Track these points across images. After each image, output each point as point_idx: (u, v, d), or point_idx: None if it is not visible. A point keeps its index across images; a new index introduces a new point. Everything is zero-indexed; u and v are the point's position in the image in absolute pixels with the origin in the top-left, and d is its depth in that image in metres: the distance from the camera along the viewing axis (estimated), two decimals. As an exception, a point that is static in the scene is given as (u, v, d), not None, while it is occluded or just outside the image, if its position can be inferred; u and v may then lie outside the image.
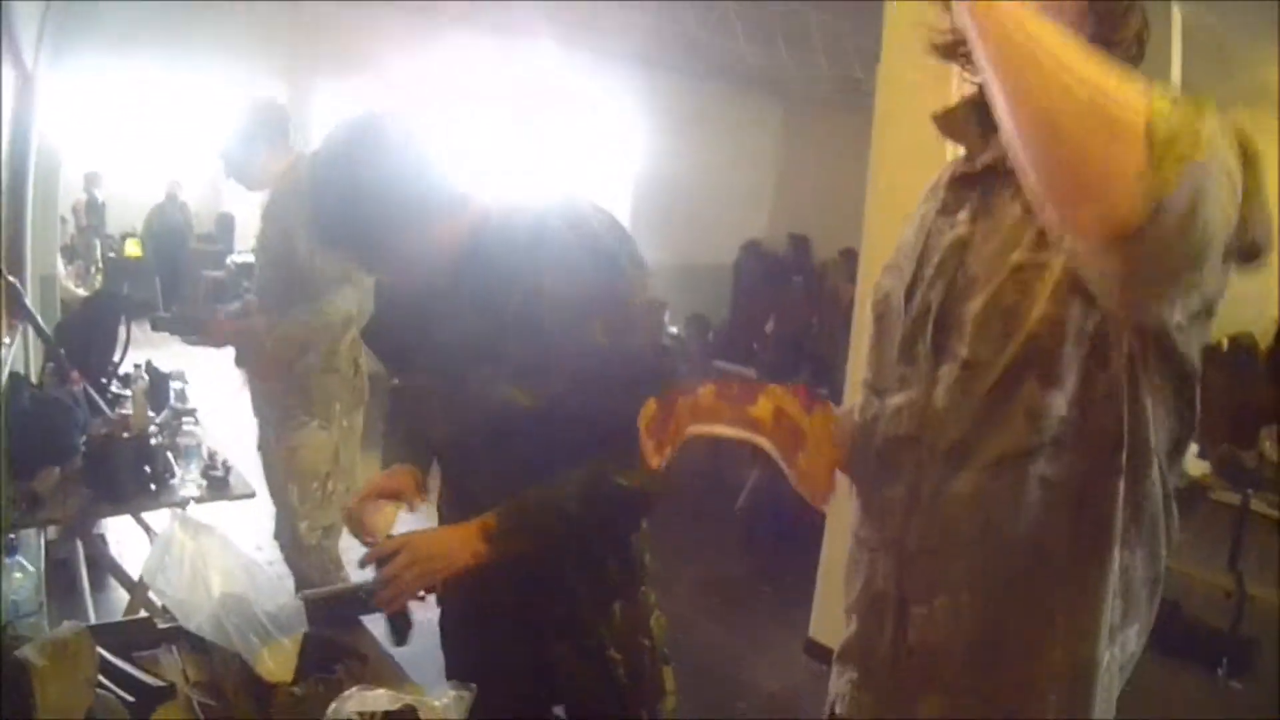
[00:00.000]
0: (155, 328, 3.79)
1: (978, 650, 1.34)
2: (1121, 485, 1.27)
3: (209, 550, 2.13)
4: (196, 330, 3.74)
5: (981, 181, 1.39)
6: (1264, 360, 8.47)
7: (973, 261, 1.34)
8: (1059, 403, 1.24)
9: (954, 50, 1.41)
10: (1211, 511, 5.39)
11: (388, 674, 2.04)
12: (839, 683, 1.60)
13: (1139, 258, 0.98)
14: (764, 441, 1.51)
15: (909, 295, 1.45)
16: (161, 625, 2.25)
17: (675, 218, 10.90)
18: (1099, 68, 0.95)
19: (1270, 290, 8.31)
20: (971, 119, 1.44)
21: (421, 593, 1.92)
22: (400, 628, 1.98)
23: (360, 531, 2.07)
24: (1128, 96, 0.94)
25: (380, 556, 1.90)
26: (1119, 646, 1.34)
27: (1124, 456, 1.26)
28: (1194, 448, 5.22)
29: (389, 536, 1.98)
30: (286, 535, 3.91)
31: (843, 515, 1.67)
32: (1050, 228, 1.13)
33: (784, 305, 9.39)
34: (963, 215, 1.40)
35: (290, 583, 3.84)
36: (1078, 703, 1.32)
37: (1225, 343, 8.62)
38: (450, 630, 2.28)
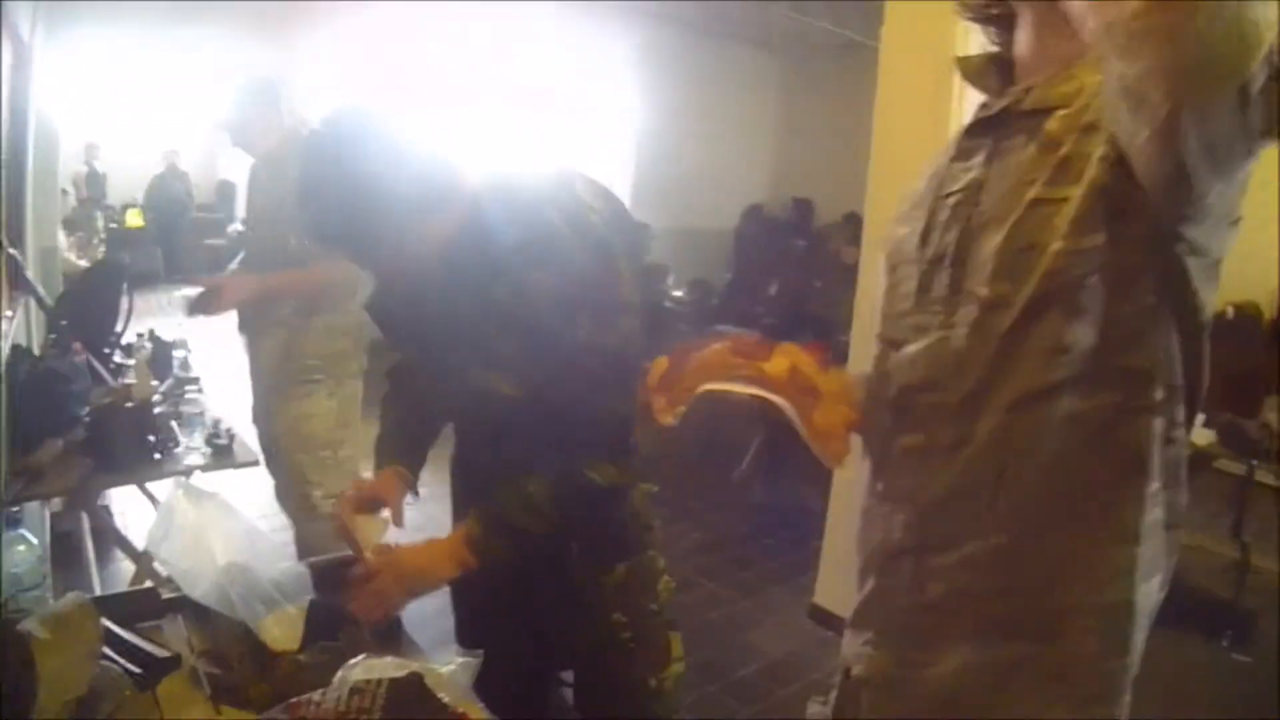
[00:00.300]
0: (190, 313, 3.74)
1: (1004, 598, 1.32)
2: (1156, 423, 1.25)
3: (212, 518, 2.13)
4: (214, 299, 3.70)
5: (996, 129, 1.37)
6: (1268, 329, 8.44)
7: (988, 201, 1.33)
8: (1083, 337, 1.21)
9: (985, 10, 1.39)
10: (1215, 481, 5.38)
11: (393, 640, 2.02)
12: (855, 645, 1.57)
13: (1190, 49, 0.94)
14: (779, 398, 1.50)
15: (924, 239, 1.43)
16: (166, 595, 2.25)
17: (677, 181, 10.84)
18: None
19: (1273, 258, 8.31)
20: (992, 70, 1.44)
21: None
22: (382, 631, 1.99)
23: (350, 541, 2.10)
24: None
25: (365, 573, 1.93)
26: (1142, 595, 1.32)
27: (1156, 393, 1.24)
28: (1199, 416, 5.22)
29: (380, 545, 2.01)
30: (296, 503, 3.90)
31: (848, 481, 1.66)
32: (1095, 35, 1.08)
33: (786, 269, 9.36)
34: (977, 159, 1.38)
35: (293, 550, 3.85)
36: (1112, 647, 1.30)
37: (1230, 311, 8.61)
38: (458, 591, 2.28)
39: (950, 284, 1.36)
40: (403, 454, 2.25)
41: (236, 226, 12.13)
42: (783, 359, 1.48)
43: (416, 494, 2.23)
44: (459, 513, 2.23)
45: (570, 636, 2.11)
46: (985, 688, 1.35)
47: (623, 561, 2.09)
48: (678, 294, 8.42)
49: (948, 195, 1.41)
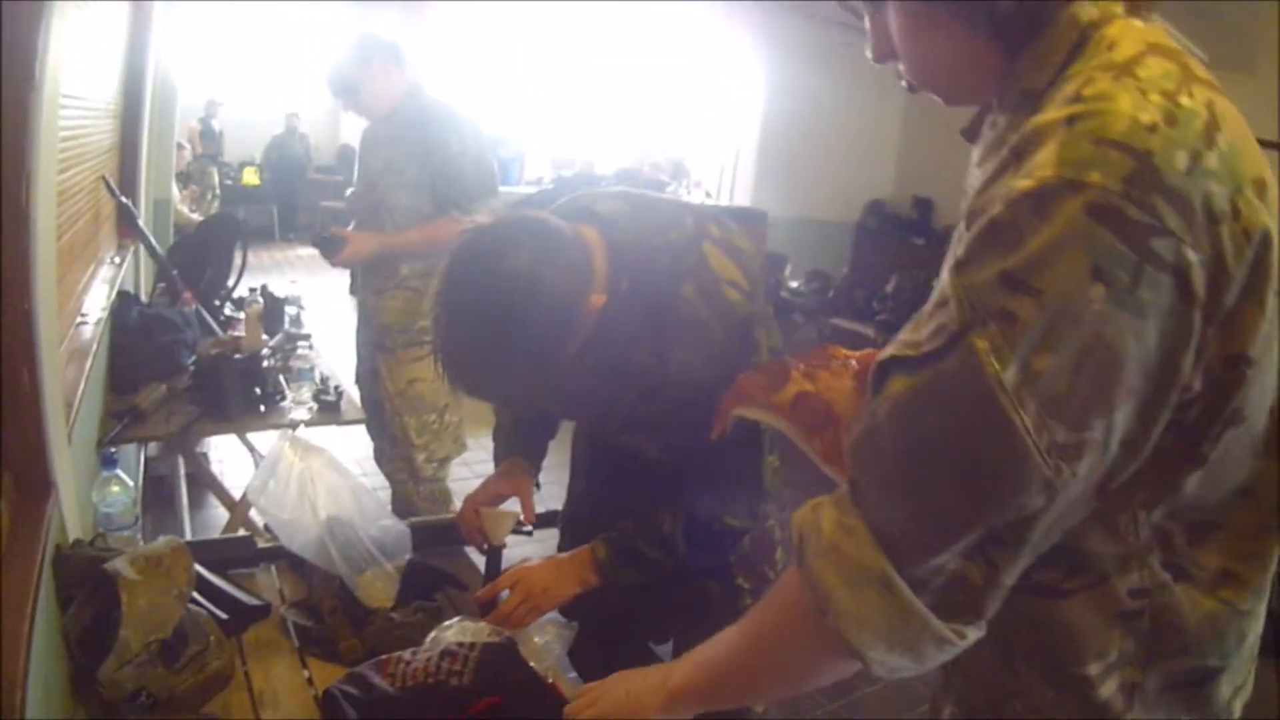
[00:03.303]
0: (322, 251, 3.72)
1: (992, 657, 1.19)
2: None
3: (317, 471, 2.11)
4: (340, 249, 3.68)
5: None
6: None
7: None
8: None
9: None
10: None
11: (489, 604, 1.99)
12: None
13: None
14: (784, 425, 1.48)
15: None
16: (261, 544, 2.24)
17: (801, 171, 10.73)
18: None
19: None
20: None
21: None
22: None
23: (478, 539, 2.14)
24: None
25: (495, 593, 1.95)
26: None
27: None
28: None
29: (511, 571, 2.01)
30: (399, 465, 3.90)
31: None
32: None
33: (905, 266, 9.23)
34: None
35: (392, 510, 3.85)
36: None
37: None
38: (568, 538, 2.29)
39: None
40: (522, 448, 2.25)
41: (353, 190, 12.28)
42: (792, 387, 1.46)
43: (539, 486, 2.23)
44: (577, 525, 2.25)
45: (687, 605, 2.06)
46: None
47: (748, 531, 2.05)
48: (795, 284, 8.31)
49: None
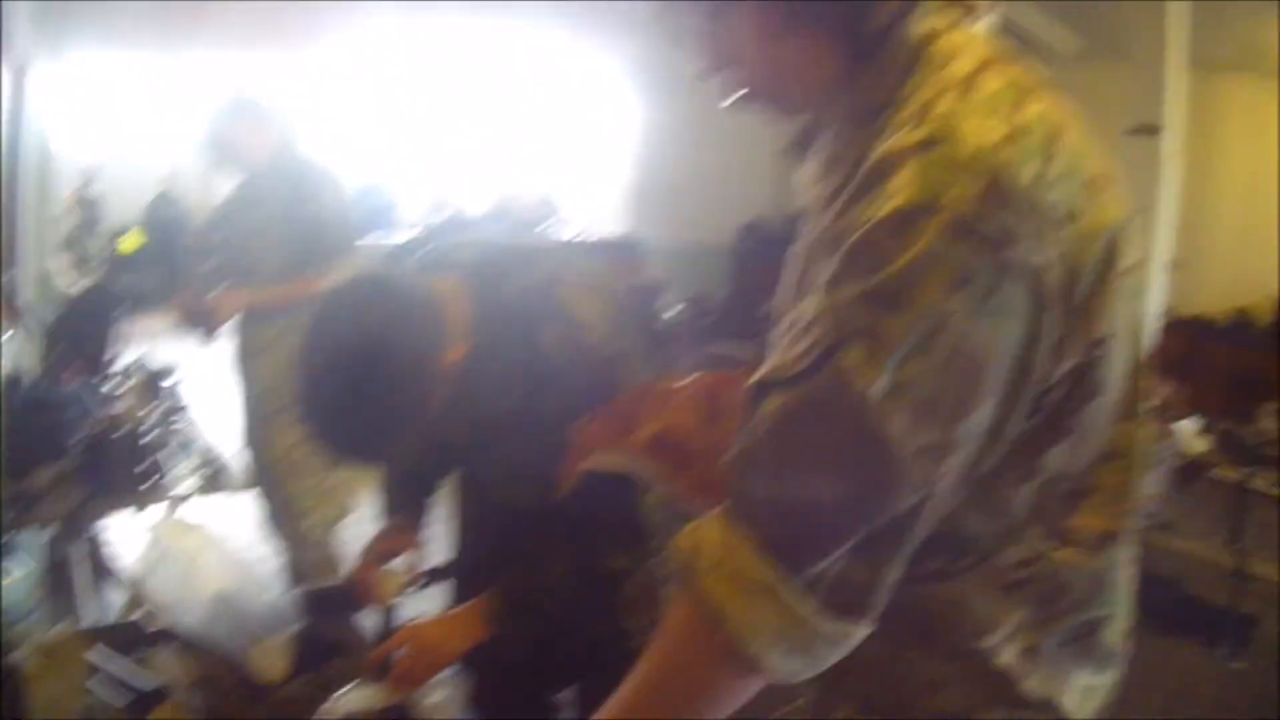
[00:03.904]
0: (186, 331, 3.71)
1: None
2: None
3: (198, 549, 2.13)
4: (205, 315, 3.67)
5: None
6: (1264, 335, 8.45)
7: None
8: None
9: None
10: (1211, 488, 5.37)
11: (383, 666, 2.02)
12: None
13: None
14: (643, 469, 1.53)
15: None
16: (156, 625, 2.24)
17: (675, 194, 10.73)
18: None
19: (1265, 266, 8.33)
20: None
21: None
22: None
23: (368, 598, 2.14)
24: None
25: (387, 653, 1.94)
26: None
27: None
28: (1194, 424, 5.23)
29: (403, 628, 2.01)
30: (287, 531, 3.88)
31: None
32: None
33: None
34: None
35: (281, 579, 3.84)
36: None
37: (1224, 317, 8.63)
38: (461, 590, 2.27)
39: None
40: (405, 505, 2.27)
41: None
42: (645, 430, 1.50)
43: (425, 543, 2.25)
44: (465, 577, 2.25)
45: (582, 651, 2.09)
46: None
47: (634, 572, 2.08)
48: (673, 312, 8.35)
49: None
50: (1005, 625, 1.15)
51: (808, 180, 1.32)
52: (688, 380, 1.55)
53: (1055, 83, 1.11)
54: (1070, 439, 1.11)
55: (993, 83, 1.03)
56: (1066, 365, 1.05)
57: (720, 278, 11.30)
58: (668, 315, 8.19)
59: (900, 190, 0.97)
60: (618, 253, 10.33)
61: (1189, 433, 5.14)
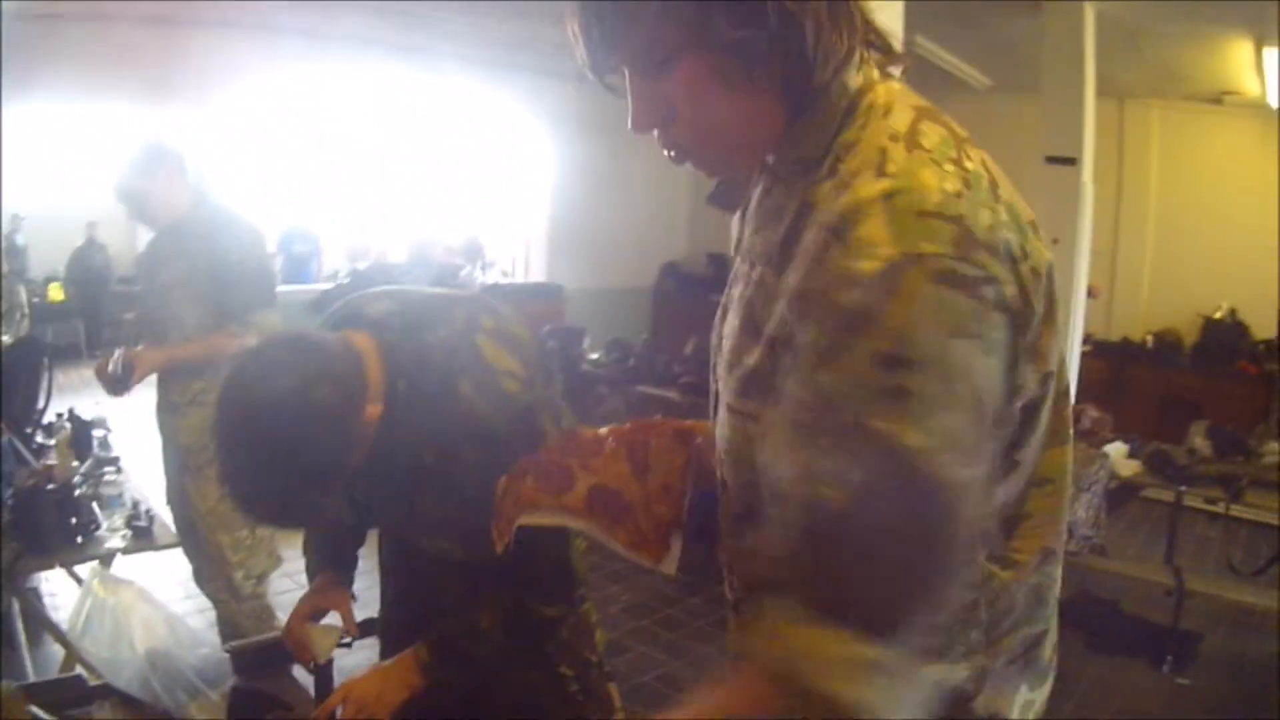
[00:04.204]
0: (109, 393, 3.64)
1: None
2: None
3: (129, 605, 2.09)
4: (126, 375, 3.61)
5: None
6: (1189, 356, 8.62)
7: None
8: None
9: None
10: (1145, 509, 5.44)
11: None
12: None
13: None
14: (580, 524, 1.52)
15: None
16: (93, 682, 2.20)
17: (593, 240, 10.88)
18: None
19: (1188, 288, 8.50)
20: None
21: None
22: None
23: (303, 655, 2.13)
24: None
25: (328, 711, 1.95)
26: None
27: None
28: (1124, 447, 5.32)
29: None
30: (219, 585, 3.80)
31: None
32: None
33: (704, 326, 9.40)
34: None
35: (214, 633, 3.78)
36: None
37: (1150, 340, 8.80)
38: (390, 647, 2.26)
39: None
40: (331, 560, 2.25)
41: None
42: (582, 485, 1.49)
43: (354, 597, 2.24)
44: (396, 629, 2.24)
45: (515, 699, 2.08)
46: None
47: (565, 618, 2.07)
48: (595, 355, 8.32)
49: None
50: (957, 648, 1.16)
51: (744, 228, 1.32)
52: (613, 428, 1.55)
53: (971, 115, 1.14)
54: (1017, 472, 1.16)
55: (933, 135, 1.07)
56: (1021, 401, 1.10)
57: (641, 321, 11.35)
58: (591, 358, 8.18)
59: (878, 244, 0.99)
60: (539, 297, 10.39)
61: (1120, 455, 5.22)
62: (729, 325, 1.30)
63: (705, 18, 1.08)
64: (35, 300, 13.55)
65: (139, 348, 3.71)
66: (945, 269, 0.97)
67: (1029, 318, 1.05)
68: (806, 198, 1.11)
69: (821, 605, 1.03)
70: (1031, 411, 1.12)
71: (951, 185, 1.02)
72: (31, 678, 2.64)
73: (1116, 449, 5.26)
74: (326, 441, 1.61)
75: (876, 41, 1.18)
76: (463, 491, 1.77)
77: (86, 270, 14.81)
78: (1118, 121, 8.83)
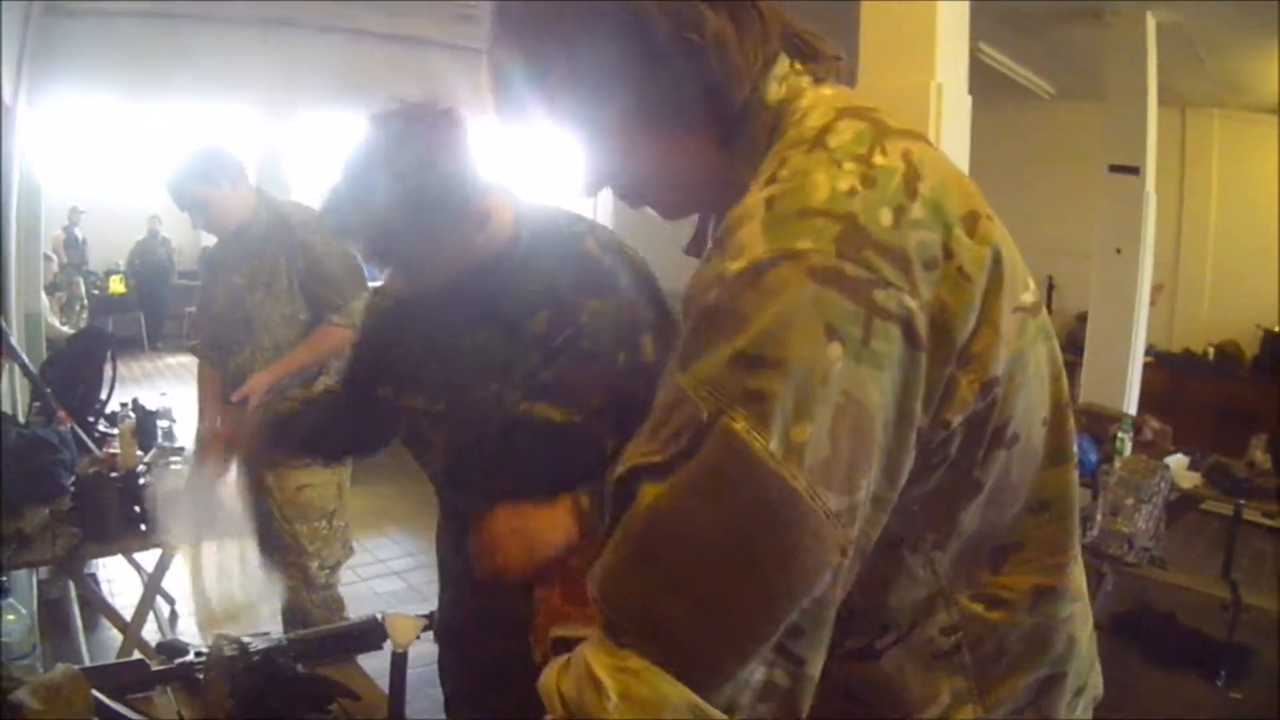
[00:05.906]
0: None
1: None
2: None
3: (195, 590, 2.13)
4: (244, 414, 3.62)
5: None
6: (1250, 368, 8.50)
7: None
8: None
9: None
10: (1203, 521, 5.37)
11: (382, 712, 2.01)
12: None
13: None
14: None
15: None
16: (155, 667, 2.24)
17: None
18: None
19: (1248, 300, 8.37)
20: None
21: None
22: None
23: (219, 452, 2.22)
24: None
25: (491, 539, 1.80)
26: None
27: None
28: (1185, 459, 5.26)
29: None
30: (293, 574, 3.80)
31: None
32: None
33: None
34: None
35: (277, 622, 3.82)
36: None
37: (1211, 351, 8.68)
38: (448, 650, 2.23)
39: None
40: (336, 442, 2.35)
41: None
42: None
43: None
44: (452, 638, 2.18)
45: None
46: None
47: None
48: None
49: None
50: (942, 698, 1.08)
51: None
52: None
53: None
54: (983, 494, 1.04)
55: (845, 133, 0.99)
56: (959, 413, 0.97)
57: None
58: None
59: (750, 245, 0.91)
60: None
61: (1180, 467, 5.17)
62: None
63: (609, 78, 1.06)
64: (95, 292, 13.75)
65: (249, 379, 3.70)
66: (823, 265, 0.87)
67: (949, 328, 0.93)
68: None
69: (632, 632, 0.90)
70: (980, 424, 1.00)
71: (845, 184, 0.92)
72: (86, 663, 2.68)
73: (1177, 461, 5.21)
74: (447, 183, 1.69)
75: (803, 48, 1.12)
76: (579, 348, 1.77)
77: (148, 264, 14.99)
78: (1179, 131, 8.71)
